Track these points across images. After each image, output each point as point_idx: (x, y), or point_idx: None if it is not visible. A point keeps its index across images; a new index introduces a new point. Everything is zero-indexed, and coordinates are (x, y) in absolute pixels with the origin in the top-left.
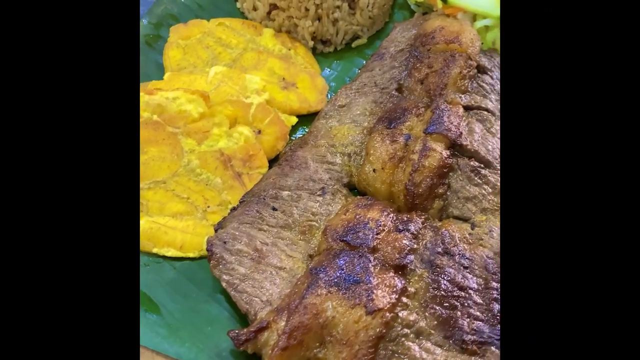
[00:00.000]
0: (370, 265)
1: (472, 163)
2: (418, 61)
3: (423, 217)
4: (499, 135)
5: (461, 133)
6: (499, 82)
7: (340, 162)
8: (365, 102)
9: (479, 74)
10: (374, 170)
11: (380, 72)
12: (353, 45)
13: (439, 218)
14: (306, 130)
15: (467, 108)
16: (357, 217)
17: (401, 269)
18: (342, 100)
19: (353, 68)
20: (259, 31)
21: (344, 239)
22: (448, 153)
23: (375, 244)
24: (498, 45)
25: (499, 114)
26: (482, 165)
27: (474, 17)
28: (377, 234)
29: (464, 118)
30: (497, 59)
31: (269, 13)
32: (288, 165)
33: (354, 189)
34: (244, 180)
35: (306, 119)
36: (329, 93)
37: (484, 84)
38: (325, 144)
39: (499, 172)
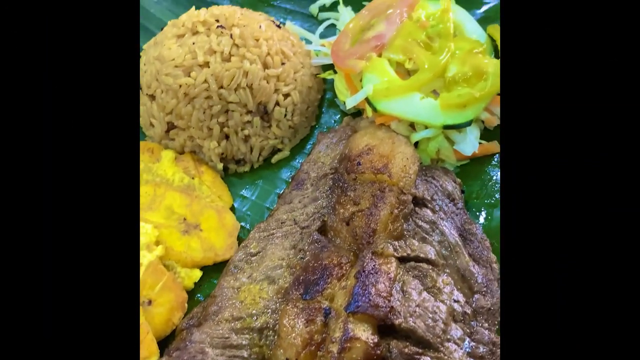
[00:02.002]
0: None
1: (407, 350)
2: (343, 193)
3: None
4: (442, 296)
5: (392, 307)
6: (442, 214)
7: (248, 343)
8: (283, 249)
9: (416, 209)
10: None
11: (300, 206)
12: (273, 160)
13: None
14: (215, 282)
15: (402, 260)
16: None
17: None
18: (255, 246)
19: (275, 190)
20: (157, 155)
21: None
22: (376, 339)
23: None
24: (444, 154)
25: (442, 261)
26: (419, 350)
27: (412, 124)
28: None
29: (397, 279)
30: (442, 180)
31: (168, 131)
32: None
33: None
34: None
35: (214, 269)
36: (246, 226)
37: (422, 223)
38: (230, 317)
39: (441, 352)
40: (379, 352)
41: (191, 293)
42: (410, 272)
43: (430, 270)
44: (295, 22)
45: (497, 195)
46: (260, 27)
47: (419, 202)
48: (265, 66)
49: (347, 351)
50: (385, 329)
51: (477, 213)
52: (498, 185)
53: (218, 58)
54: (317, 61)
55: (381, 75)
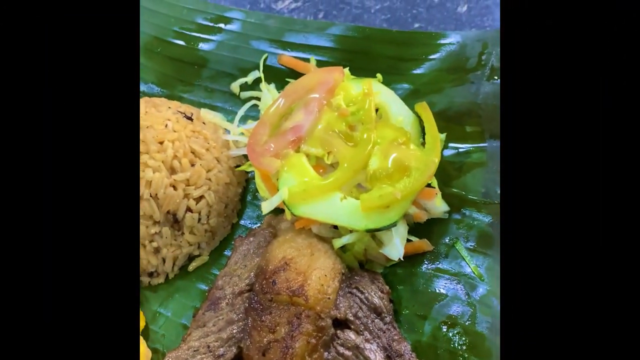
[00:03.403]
0: None
1: None
2: (258, 317)
3: None
4: None
5: None
6: (368, 333)
7: None
8: None
9: (338, 332)
10: None
11: (215, 329)
12: (190, 268)
13: None
14: None
15: None
16: None
17: None
18: None
19: (192, 303)
20: None
21: None
22: None
23: None
24: (372, 255)
25: None
26: None
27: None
28: None
29: None
30: (367, 291)
31: None
32: None
33: None
34: None
35: None
36: (161, 349)
37: (344, 350)
38: None
39: None
40: None
41: None
42: None
43: None
44: (215, 103)
45: (429, 304)
46: (166, 125)
47: (341, 323)
48: (172, 171)
49: None
50: None
51: (406, 326)
52: (429, 292)
53: None
54: (236, 152)
55: (299, 175)
